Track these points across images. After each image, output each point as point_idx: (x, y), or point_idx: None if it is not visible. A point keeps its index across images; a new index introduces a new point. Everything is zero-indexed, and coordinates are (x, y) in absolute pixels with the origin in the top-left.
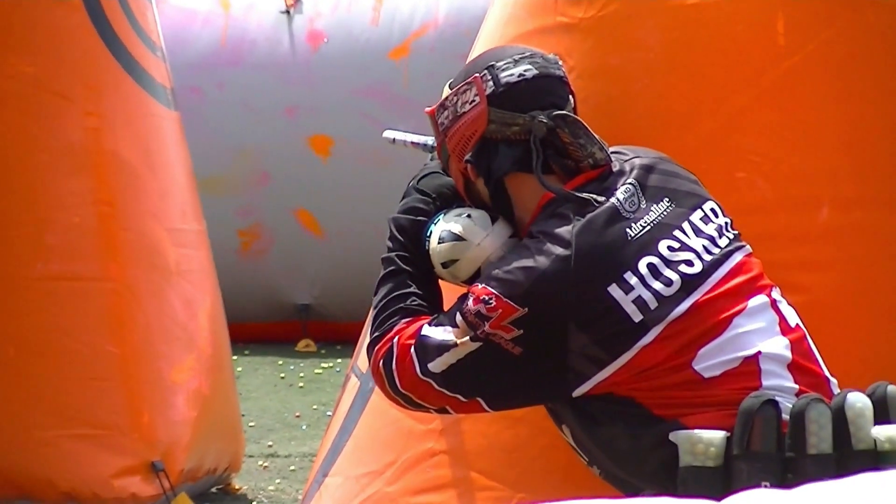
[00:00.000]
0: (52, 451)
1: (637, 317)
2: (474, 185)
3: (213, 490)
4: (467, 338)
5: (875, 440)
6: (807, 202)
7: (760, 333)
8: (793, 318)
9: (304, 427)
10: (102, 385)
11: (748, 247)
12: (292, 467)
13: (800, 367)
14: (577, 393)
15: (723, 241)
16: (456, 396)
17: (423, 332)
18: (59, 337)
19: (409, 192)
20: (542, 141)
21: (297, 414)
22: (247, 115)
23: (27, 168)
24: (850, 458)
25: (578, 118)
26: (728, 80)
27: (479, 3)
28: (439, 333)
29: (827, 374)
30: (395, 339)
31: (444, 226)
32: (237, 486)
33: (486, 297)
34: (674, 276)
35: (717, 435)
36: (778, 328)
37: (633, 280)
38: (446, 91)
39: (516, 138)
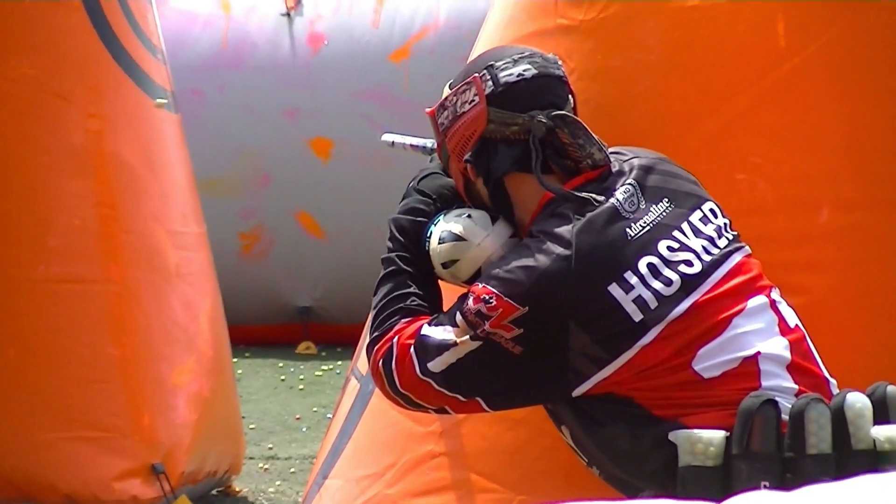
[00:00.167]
0: (52, 454)
1: (637, 316)
2: (474, 185)
3: (214, 492)
4: (467, 337)
5: (874, 440)
6: (807, 203)
7: (760, 334)
8: (792, 319)
9: (304, 429)
10: (103, 387)
11: (747, 248)
12: (292, 469)
13: (799, 367)
14: (577, 392)
15: (722, 242)
16: (455, 396)
17: (422, 332)
18: (60, 339)
19: (409, 193)
20: (541, 141)
21: (298, 416)
22: (247, 118)
23: (28, 170)
24: (849, 458)
25: (578, 118)
26: (729, 81)
27: (480, 5)
28: (439, 333)
29: (826, 374)
30: (395, 339)
31: (445, 226)
32: (237, 489)
33: (487, 297)
34: (673, 276)
35: (717, 435)
36: (777, 329)
37: (634, 279)
38: (446, 91)
39: (516, 138)
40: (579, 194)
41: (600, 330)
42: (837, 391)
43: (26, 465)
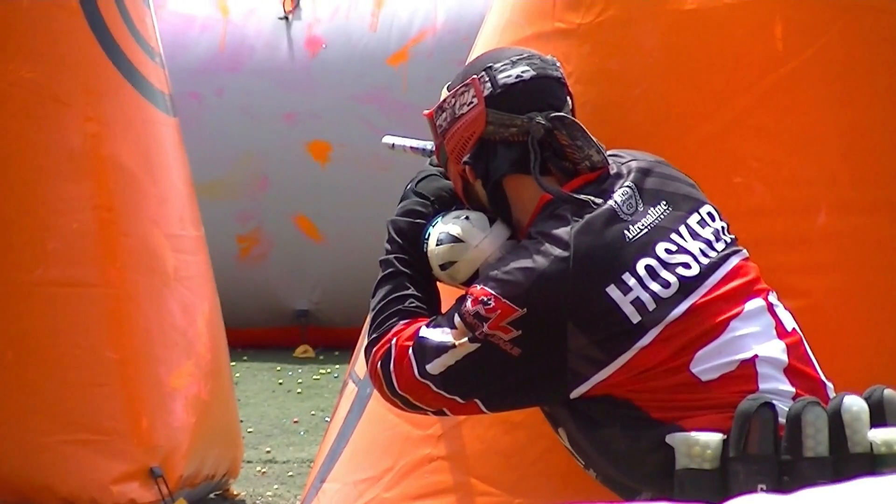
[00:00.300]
0: (50, 457)
1: (635, 318)
2: (472, 186)
3: (212, 496)
4: (466, 339)
5: (871, 443)
6: (805, 206)
7: (757, 337)
8: (789, 323)
9: (302, 433)
10: (101, 390)
11: (744, 251)
12: (290, 473)
13: (796, 371)
14: (575, 394)
15: (719, 245)
16: (454, 398)
17: (421, 334)
18: (59, 342)
19: (407, 195)
20: (539, 142)
21: (296, 420)
22: (246, 121)
23: (27, 173)
24: (846, 461)
25: (576, 120)
26: (727, 84)
27: (478, 8)
28: (437, 335)
29: (823, 378)
30: (394, 341)
31: (443, 228)
32: (235, 492)
33: (485, 298)
34: (671, 279)
35: (714, 437)
36: (774, 332)
37: (632, 281)
38: (444, 93)
39: (514, 140)
40: (578, 196)
41: (598, 331)
42: (834, 395)
43: (24, 468)
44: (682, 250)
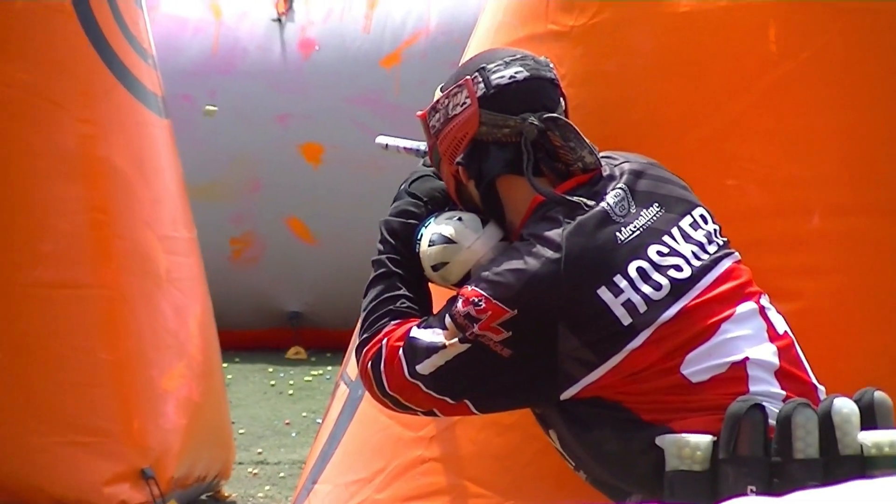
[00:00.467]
0: (43, 457)
1: (626, 320)
2: (465, 187)
3: (203, 497)
4: (456, 339)
5: (861, 445)
6: (801, 208)
7: (748, 339)
8: (781, 326)
9: (293, 434)
10: (95, 391)
11: (737, 254)
12: (282, 474)
13: (787, 374)
14: (565, 396)
15: (711, 248)
16: (444, 399)
17: (412, 334)
18: (53, 343)
19: (400, 196)
20: (532, 143)
21: (287, 421)
22: (238, 123)
23: (21, 174)
24: (836, 463)
25: (569, 121)
26: (722, 86)
27: (471, 10)
28: (428, 335)
29: (814, 381)
30: (384, 341)
31: (435, 229)
32: (227, 494)
33: (476, 299)
34: (663, 281)
35: (704, 439)
36: (766, 335)
37: (623, 283)
38: (437, 94)
39: (507, 140)
40: (570, 198)
41: (589, 333)
42: (825, 398)
43: (17, 468)
44: (674, 253)
